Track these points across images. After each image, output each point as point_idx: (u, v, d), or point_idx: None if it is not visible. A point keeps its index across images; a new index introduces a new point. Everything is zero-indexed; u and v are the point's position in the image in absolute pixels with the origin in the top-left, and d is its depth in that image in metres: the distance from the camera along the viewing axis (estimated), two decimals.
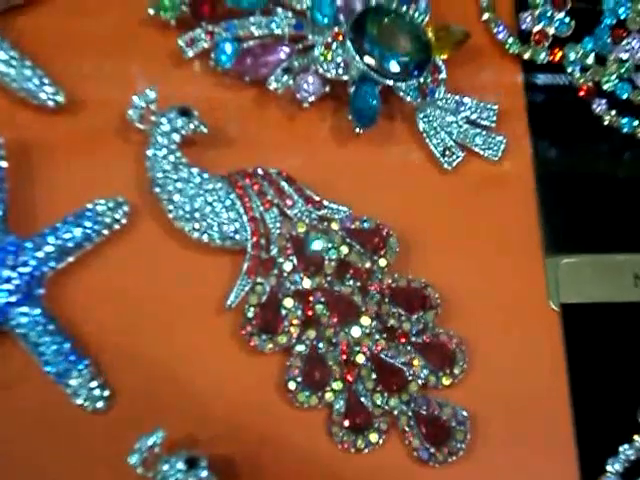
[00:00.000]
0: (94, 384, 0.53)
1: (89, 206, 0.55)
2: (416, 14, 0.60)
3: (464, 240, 0.58)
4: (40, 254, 0.53)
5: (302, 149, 0.60)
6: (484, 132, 0.60)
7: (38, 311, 0.53)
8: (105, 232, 0.55)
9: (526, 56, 0.62)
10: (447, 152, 0.59)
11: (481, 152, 0.60)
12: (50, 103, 0.58)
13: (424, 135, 0.60)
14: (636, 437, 0.53)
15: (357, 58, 0.58)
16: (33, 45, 0.60)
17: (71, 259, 0.55)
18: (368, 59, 0.58)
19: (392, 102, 0.60)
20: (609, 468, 0.53)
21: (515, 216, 0.59)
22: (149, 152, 0.56)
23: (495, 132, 0.60)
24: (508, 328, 0.56)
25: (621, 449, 0.53)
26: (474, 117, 0.60)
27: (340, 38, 0.58)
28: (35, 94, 0.57)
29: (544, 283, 0.57)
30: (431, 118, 0.60)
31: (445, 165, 0.59)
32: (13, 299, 0.52)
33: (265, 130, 0.60)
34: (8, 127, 0.57)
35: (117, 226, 0.56)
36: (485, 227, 0.59)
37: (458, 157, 0.59)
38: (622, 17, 0.61)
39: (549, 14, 0.62)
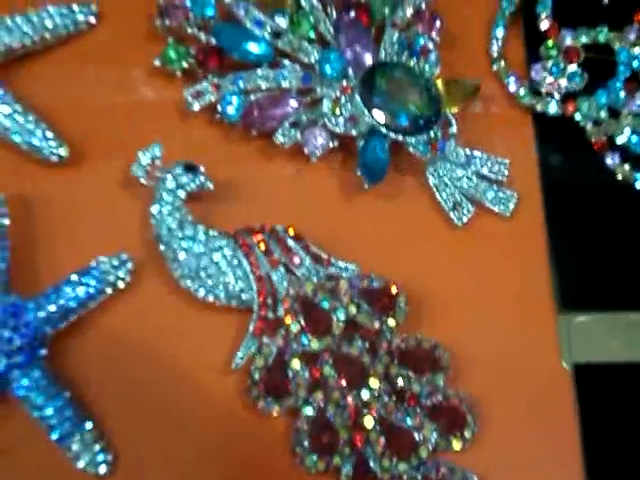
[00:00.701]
0: (97, 448, 0.52)
1: (92, 264, 0.54)
2: (426, 67, 0.59)
3: (475, 297, 0.57)
4: (42, 314, 0.53)
5: (310, 203, 0.59)
6: (495, 187, 0.59)
7: (39, 373, 0.52)
8: (109, 291, 0.54)
9: (538, 108, 0.61)
10: (457, 207, 0.58)
11: (492, 207, 0.59)
12: (53, 158, 0.57)
13: (434, 189, 0.59)
14: None
15: (366, 113, 0.57)
16: (36, 96, 0.59)
17: (74, 318, 0.54)
18: (377, 114, 0.57)
19: (401, 155, 0.59)
20: None
21: (526, 272, 0.58)
22: (154, 209, 0.55)
23: (506, 187, 0.59)
24: (519, 389, 0.55)
25: None
26: (485, 171, 0.59)
27: (349, 92, 0.57)
28: (38, 148, 0.57)
29: (556, 341, 0.56)
30: (441, 172, 0.59)
31: (455, 220, 0.58)
32: (14, 361, 0.51)
33: (272, 183, 0.59)
34: (10, 181, 0.57)
35: (121, 284, 0.55)
36: (496, 284, 0.58)
37: (469, 212, 0.58)
38: (636, 70, 0.60)
39: (562, 66, 0.61)
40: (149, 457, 0.53)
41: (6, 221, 0.54)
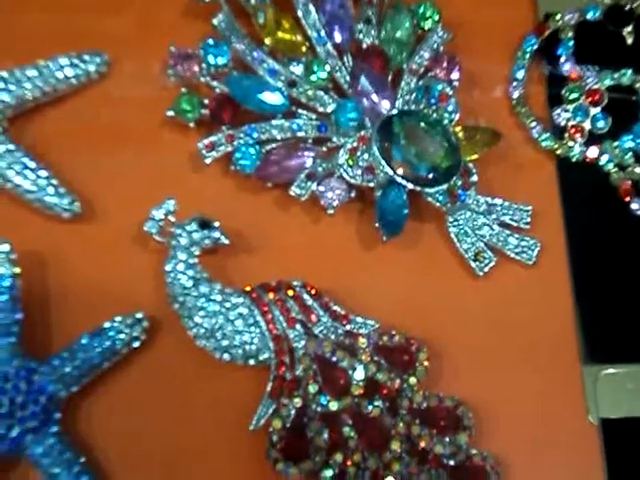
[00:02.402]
0: None
1: (106, 324, 0.53)
2: (445, 114, 0.57)
3: (497, 350, 0.56)
4: (55, 378, 0.51)
5: (327, 255, 0.58)
6: (517, 235, 0.57)
7: (54, 439, 0.51)
8: (124, 350, 0.53)
9: (560, 152, 0.59)
10: (479, 257, 0.57)
11: (515, 256, 0.57)
12: (66, 214, 0.56)
13: (454, 239, 0.57)
14: None
15: (384, 164, 0.55)
16: (49, 150, 0.58)
17: (87, 380, 0.53)
18: (395, 165, 0.55)
19: (421, 204, 0.57)
20: None
21: (551, 323, 0.57)
22: (168, 267, 0.54)
23: (529, 234, 0.58)
24: (545, 446, 0.54)
25: None
26: (507, 219, 0.58)
27: (366, 142, 0.56)
28: (50, 205, 0.56)
29: (582, 396, 0.55)
30: (461, 221, 0.57)
31: (477, 271, 0.57)
32: (28, 426, 0.50)
33: (288, 235, 0.58)
34: (22, 238, 0.55)
35: (136, 344, 0.54)
36: (519, 335, 0.56)
37: (490, 262, 0.57)
38: None
39: (585, 109, 0.59)
40: None
41: (17, 270, 0.53)
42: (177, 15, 0.62)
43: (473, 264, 0.57)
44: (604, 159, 0.59)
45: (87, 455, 0.52)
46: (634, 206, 0.58)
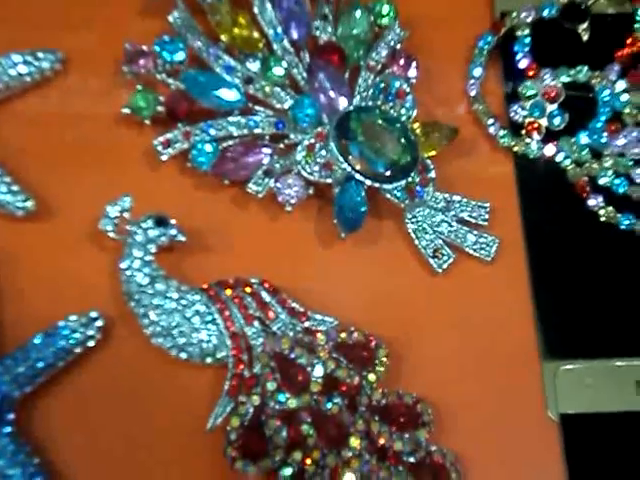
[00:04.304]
0: None
1: (60, 323, 0.52)
2: (402, 110, 0.57)
3: (457, 347, 0.56)
4: (9, 378, 0.50)
5: (285, 253, 0.57)
6: (476, 231, 0.57)
7: (7, 439, 0.50)
8: (78, 350, 0.52)
9: (518, 149, 0.60)
10: (437, 253, 0.57)
11: (473, 253, 0.57)
12: (19, 212, 0.55)
13: (413, 236, 0.57)
14: None
15: (341, 160, 0.55)
16: (1, 149, 0.57)
17: (42, 379, 0.52)
18: (353, 161, 0.55)
19: (379, 201, 0.57)
20: None
21: (510, 320, 0.56)
22: (123, 264, 0.53)
23: (487, 231, 0.58)
24: (505, 442, 0.54)
25: None
26: (465, 216, 0.58)
27: (323, 139, 0.56)
28: (3, 203, 0.55)
29: (542, 392, 0.55)
30: (420, 218, 0.57)
31: (436, 267, 0.56)
32: None
33: (246, 233, 0.57)
34: None
35: (91, 343, 0.53)
36: (479, 333, 0.56)
37: (449, 258, 0.57)
38: (618, 110, 0.59)
39: (542, 106, 0.59)
40: None
41: None
42: (132, 12, 0.61)
43: (432, 261, 0.57)
44: (561, 156, 0.59)
45: (42, 456, 0.51)
46: (591, 202, 0.58)
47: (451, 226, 0.57)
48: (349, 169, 0.55)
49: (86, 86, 0.60)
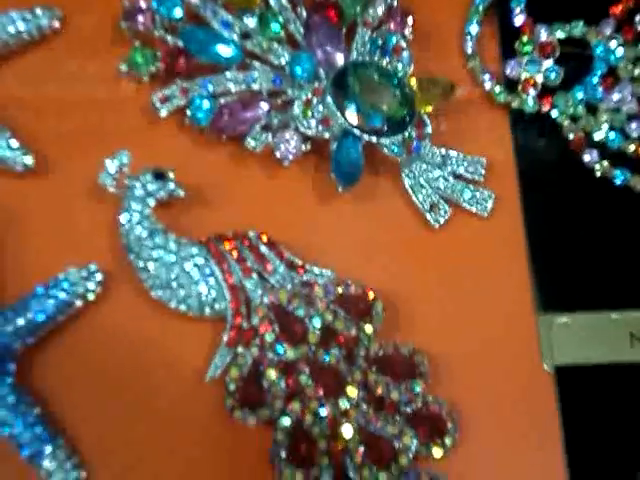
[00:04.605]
0: (69, 465, 0.50)
1: (60, 276, 0.53)
2: (399, 66, 0.57)
3: (453, 301, 0.56)
4: (10, 329, 0.51)
5: (283, 208, 0.57)
6: (472, 187, 0.58)
7: (7, 389, 0.50)
8: (78, 303, 0.53)
9: (514, 105, 0.60)
10: (434, 208, 0.57)
11: (469, 208, 0.58)
12: (18, 167, 0.55)
13: (410, 191, 0.57)
14: None
15: (338, 115, 0.55)
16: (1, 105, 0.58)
17: (43, 332, 0.52)
18: (350, 116, 0.55)
19: (376, 157, 0.57)
20: None
21: (506, 274, 0.57)
22: (122, 218, 0.54)
23: (483, 186, 0.58)
24: (500, 392, 0.54)
25: None
26: (461, 171, 0.58)
27: (320, 94, 0.56)
28: (3, 159, 0.55)
29: (537, 344, 0.55)
30: (417, 173, 0.57)
31: (432, 222, 0.57)
32: None
33: (244, 189, 0.58)
34: None
35: (91, 296, 0.53)
36: (475, 286, 0.57)
37: (445, 213, 0.57)
38: (613, 65, 0.59)
39: (537, 62, 0.60)
40: (123, 472, 0.51)
41: None
42: None
43: (428, 216, 0.57)
44: (556, 111, 0.60)
45: (41, 407, 0.51)
46: (586, 157, 0.59)
47: (447, 181, 0.58)
48: (346, 124, 0.55)
49: (84, 46, 0.60)
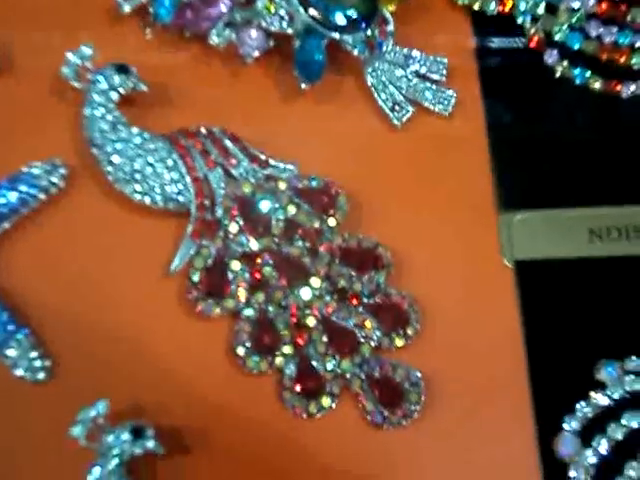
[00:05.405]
0: (34, 354, 0.50)
1: (24, 169, 0.53)
2: None
3: (416, 198, 0.57)
4: None
5: (246, 106, 0.58)
6: (434, 86, 0.58)
7: None
8: (42, 196, 0.53)
9: (476, 7, 0.60)
10: (396, 107, 0.58)
11: (431, 107, 0.58)
12: None
13: (372, 90, 0.58)
14: (592, 394, 0.52)
15: (301, 10, 0.55)
16: None
17: (7, 225, 0.53)
18: (313, 11, 0.55)
19: (339, 56, 0.58)
20: (566, 426, 0.52)
21: (467, 173, 0.57)
22: (86, 111, 0.54)
23: (445, 86, 0.58)
24: (461, 286, 0.55)
25: (578, 406, 0.52)
26: (423, 71, 0.59)
27: None
28: None
29: (497, 240, 0.56)
30: (379, 72, 0.58)
31: (394, 120, 0.57)
32: None
33: (207, 88, 0.58)
34: None
35: (54, 190, 0.53)
36: (437, 184, 0.57)
37: (407, 112, 0.58)
38: None
39: None
40: (88, 363, 0.52)
41: None
42: None
43: (391, 114, 0.57)
44: (517, 11, 0.60)
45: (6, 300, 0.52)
46: (547, 57, 0.59)
47: (410, 81, 0.58)
48: (309, 19, 0.56)
49: None
